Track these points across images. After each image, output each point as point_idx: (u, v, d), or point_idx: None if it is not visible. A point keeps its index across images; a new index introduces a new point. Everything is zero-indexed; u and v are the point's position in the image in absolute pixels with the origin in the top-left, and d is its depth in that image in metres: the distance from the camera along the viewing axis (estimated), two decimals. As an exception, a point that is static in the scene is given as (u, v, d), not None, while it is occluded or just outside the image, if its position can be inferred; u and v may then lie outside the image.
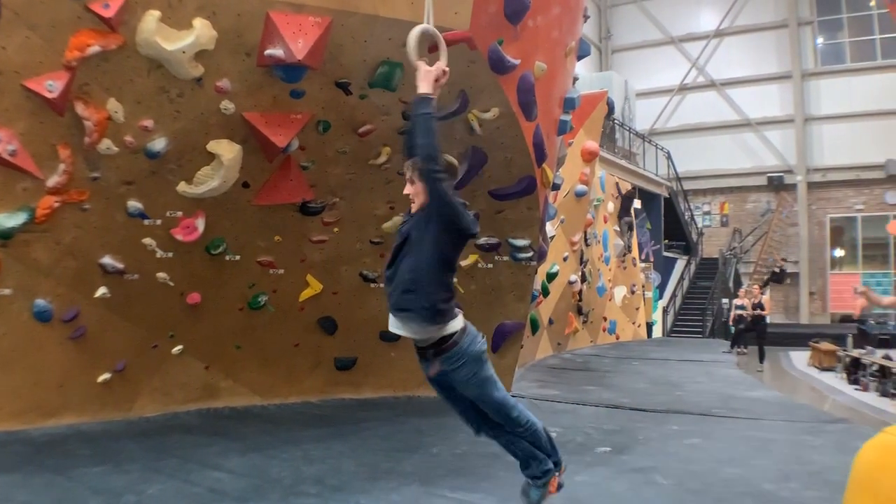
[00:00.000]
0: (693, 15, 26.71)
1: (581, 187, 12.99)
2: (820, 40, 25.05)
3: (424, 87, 3.38)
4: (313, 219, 6.64)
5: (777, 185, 25.05)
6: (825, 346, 13.34)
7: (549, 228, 9.39)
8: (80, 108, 5.05)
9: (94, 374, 6.12)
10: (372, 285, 7.29)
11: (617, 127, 20.92)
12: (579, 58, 7.70)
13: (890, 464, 2.46)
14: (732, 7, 25.81)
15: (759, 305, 14.58)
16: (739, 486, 4.58)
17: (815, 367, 13.28)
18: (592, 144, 13.52)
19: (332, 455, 5.18)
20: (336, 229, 6.81)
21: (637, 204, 18.51)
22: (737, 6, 25.75)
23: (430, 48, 4.03)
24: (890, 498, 2.38)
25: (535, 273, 7.94)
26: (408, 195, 3.44)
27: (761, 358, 13.89)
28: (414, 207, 3.42)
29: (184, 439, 5.70)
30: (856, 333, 14.94)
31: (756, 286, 16.45)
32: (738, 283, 22.10)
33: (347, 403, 7.37)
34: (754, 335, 14.65)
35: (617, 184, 17.36)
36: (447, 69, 3.53)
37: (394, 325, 3.41)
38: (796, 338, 16.83)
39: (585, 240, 14.24)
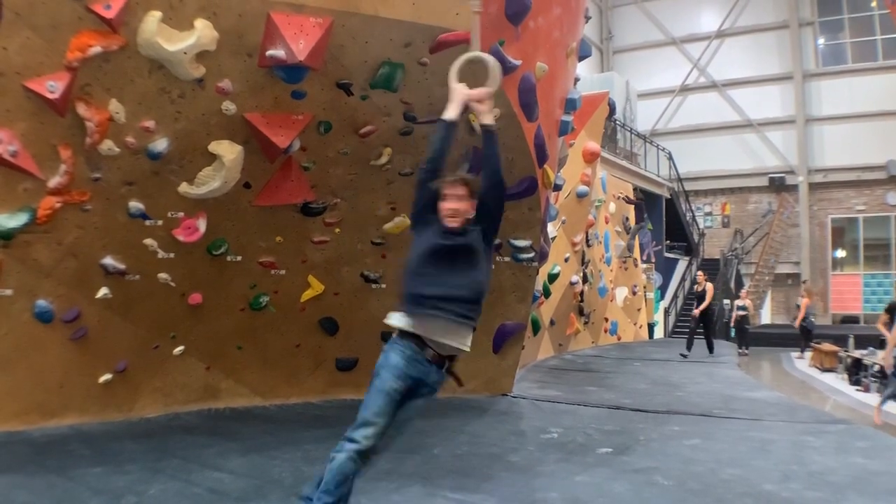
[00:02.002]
0: (694, 16, 26.73)
1: (582, 188, 12.99)
2: (821, 41, 25.07)
3: (451, 110, 3.54)
4: (315, 219, 6.64)
5: (778, 185, 25.06)
6: (826, 346, 13.34)
7: (551, 229, 9.40)
8: (81, 109, 5.05)
9: (95, 375, 6.13)
10: (373, 286, 7.28)
11: (618, 128, 20.94)
12: (580, 59, 7.71)
13: None
14: (734, 8, 25.83)
15: (704, 295, 14.18)
16: (740, 486, 4.57)
17: (817, 367, 13.27)
18: (594, 145, 13.52)
19: (332, 456, 5.17)
20: (337, 230, 6.81)
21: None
22: (738, 7, 25.76)
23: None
24: None
25: (537, 274, 7.95)
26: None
27: (687, 348, 13.82)
28: (460, 221, 3.40)
29: (185, 440, 5.70)
30: (800, 332, 15.98)
31: (700, 273, 15.80)
32: (739, 284, 22.09)
33: (349, 404, 7.35)
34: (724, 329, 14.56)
35: (626, 197, 17.44)
36: (489, 90, 3.63)
37: (441, 330, 3.32)
38: (798, 339, 16.80)
39: (587, 241, 14.23)
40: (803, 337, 15.96)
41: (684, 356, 13.63)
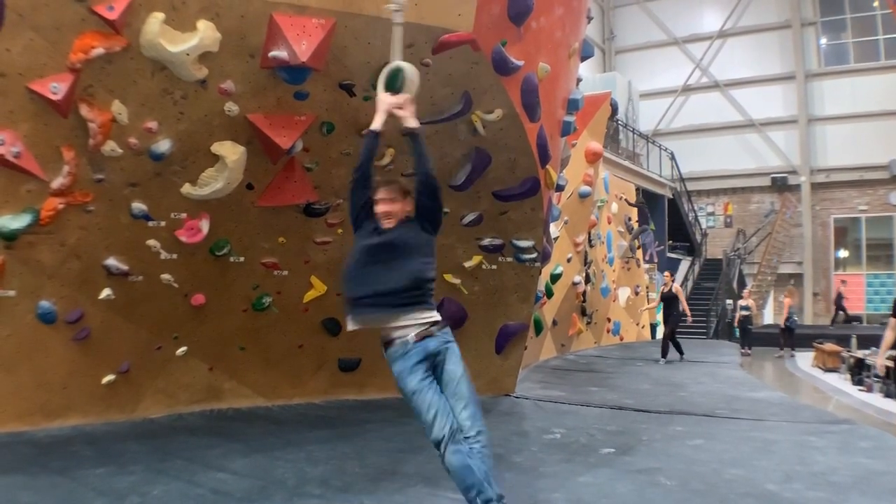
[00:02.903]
0: (696, 16, 26.74)
1: (585, 188, 12.99)
2: (823, 41, 25.07)
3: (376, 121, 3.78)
4: (317, 220, 6.64)
5: (781, 185, 25.06)
6: (829, 346, 13.31)
7: (553, 229, 9.40)
8: (84, 110, 5.06)
9: (99, 376, 6.13)
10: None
11: (621, 128, 20.94)
12: (582, 59, 7.70)
13: None
14: (736, 8, 25.82)
15: (672, 295, 13.44)
16: (743, 486, 4.57)
17: (819, 367, 13.25)
18: (596, 145, 13.53)
19: (335, 456, 5.18)
20: (340, 230, 6.81)
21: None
22: (740, 7, 25.76)
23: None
24: None
25: (539, 274, 7.94)
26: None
27: (679, 351, 13.28)
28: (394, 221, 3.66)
29: (188, 441, 5.71)
30: (782, 330, 16.29)
31: (667, 273, 14.96)
32: (742, 284, 22.07)
33: (351, 405, 7.37)
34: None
35: (626, 200, 17.45)
36: (407, 96, 3.84)
37: (387, 319, 3.57)
38: (800, 339, 16.77)
39: (589, 241, 14.23)
40: (786, 336, 16.04)
41: (682, 356, 13.45)
